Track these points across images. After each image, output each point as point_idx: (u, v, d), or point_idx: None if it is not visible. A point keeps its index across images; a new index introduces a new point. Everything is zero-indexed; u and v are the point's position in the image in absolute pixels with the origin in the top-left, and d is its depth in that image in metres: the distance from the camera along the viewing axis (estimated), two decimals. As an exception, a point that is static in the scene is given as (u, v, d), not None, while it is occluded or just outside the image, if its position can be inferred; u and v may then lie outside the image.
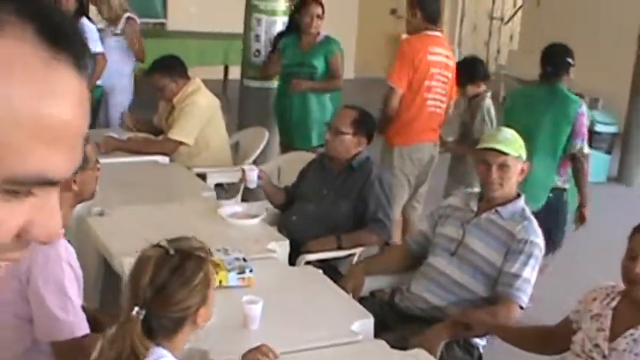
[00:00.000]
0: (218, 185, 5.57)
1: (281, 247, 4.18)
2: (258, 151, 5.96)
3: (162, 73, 5.69)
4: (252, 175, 4.63)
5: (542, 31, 12.22)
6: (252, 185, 4.67)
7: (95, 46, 6.50)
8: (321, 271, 4.17)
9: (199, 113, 5.66)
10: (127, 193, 4.74)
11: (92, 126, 6.46)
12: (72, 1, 6.45)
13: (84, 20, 6.50)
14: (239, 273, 3.58)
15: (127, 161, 5.40)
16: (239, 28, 11.80)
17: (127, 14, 7.08)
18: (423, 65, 5.48)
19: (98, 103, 6.71)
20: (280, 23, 6.82)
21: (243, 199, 5.31)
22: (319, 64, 6.18)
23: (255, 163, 5.95)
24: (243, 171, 4.65)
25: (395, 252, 4.44)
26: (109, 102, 6.96)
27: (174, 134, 5.59)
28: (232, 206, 4.64)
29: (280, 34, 6.65)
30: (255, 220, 4.43)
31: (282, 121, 6.54)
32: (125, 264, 3.47)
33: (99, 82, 6.68)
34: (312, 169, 4.90)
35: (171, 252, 2.44)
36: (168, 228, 4.08)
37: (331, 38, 6.32)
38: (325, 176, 4.75)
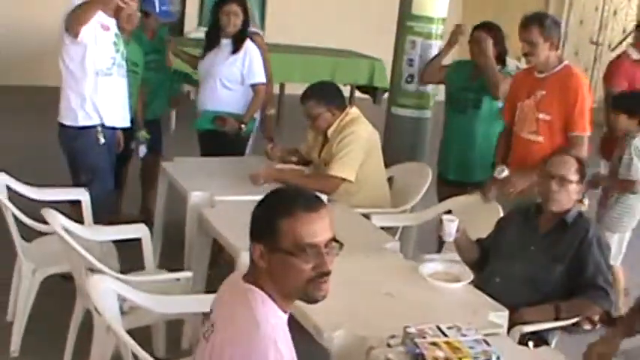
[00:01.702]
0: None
1: (500, 318, 3.57)
2: (423, 192, 5.36)
3: (318, 101, 5.15)
4: (452, 227, 4.04)
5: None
6: (449, 238, 4.09)
7: (261, 75, 5.94)
8: (531, 344, 3.64)
9: (360, 145, 5.10)
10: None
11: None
12: (240, 20, 5.85)
13: (250, 44, 5.90)
14: (488, 363, 3.00)
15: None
16: (346, 45, 11.52)
17: (252, 29, 6.43)
18: None
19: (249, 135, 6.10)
20: (436, 48, 6.22)
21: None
22: (487, 93, 5.53)
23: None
24: (441, 221, 4.05)
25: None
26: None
27: (336, 170, 5.01)
28: (429, 263, 4.05)
29: None
30: (462, 284, 3.83)
31: (441, 151, 5.92)
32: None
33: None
34: (513, 222, 4.32)
35: None
36: (363, 289, 3.60)
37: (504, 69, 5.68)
38: (531, 231, 4.19)
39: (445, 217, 4.09)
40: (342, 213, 4.78)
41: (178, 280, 4.09)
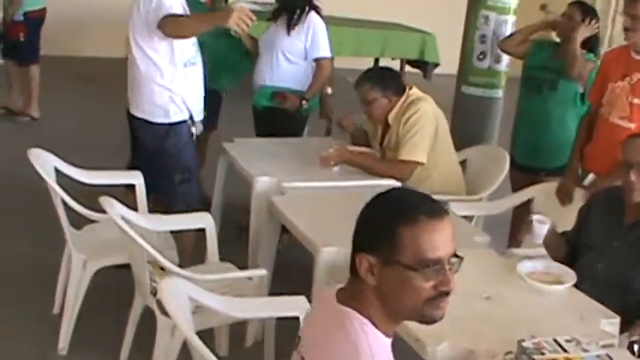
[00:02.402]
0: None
1: (613, 326, 3.17)
2: (501, 179, 4.95)
3: (374, 85, 4.75)
4: (543, 229, 3.61)
5: None
6: (539, 240, 3.66)
7: (325, 49, 5.51)
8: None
9: (429, 123, 4.70)
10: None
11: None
12: None
13: (314, 16, 5.47)
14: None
15: (357, 185, 4.43)
16: (395, 17, 11.05)
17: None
18: None
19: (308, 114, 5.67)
20: (511, 23, 5.79)
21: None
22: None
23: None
24: (531, 222, 3.63)
25: None
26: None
27: (408, 154, 4.62)
28: (527, 262, 3.64)
29: None
30: (566, 286, 3.43)
31: (514, 132, 5.47)
32: None
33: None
34: (593, 211, 3.83)
35: None
36: (462, 292, 3.17)
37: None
38: (614, 223, 3.67)
39: (535, 217, 3.65)
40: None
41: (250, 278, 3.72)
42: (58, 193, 3.96)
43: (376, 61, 10.92)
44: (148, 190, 4.49)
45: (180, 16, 4.19)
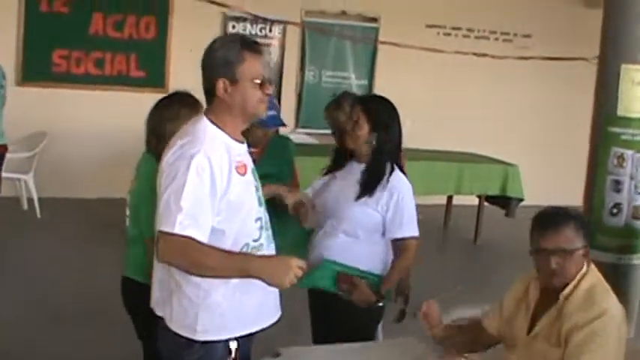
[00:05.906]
0: None
1: None
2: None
3: (581, 230, 3.12)
4: None
5: None
6: None
7: (413, 226, 3.85)
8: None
9: (615, 336, 3.06)
10: None
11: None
12: (366, 131, 3.74)
13: (399, 177, 3.84)
14: None
15: None
16: (472, 147, 9.75)
17: None
18: None
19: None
20: (653, 164, 4.41)
21: None
22: None
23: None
24: None
25: None
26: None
27: None
28: None
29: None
30: None
31: None
32: None
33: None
34: None
35: None
36: None
37: None
38: None
39: None
40: None
41: None
42: None
43: (449, 198, 9.60)
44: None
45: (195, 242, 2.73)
